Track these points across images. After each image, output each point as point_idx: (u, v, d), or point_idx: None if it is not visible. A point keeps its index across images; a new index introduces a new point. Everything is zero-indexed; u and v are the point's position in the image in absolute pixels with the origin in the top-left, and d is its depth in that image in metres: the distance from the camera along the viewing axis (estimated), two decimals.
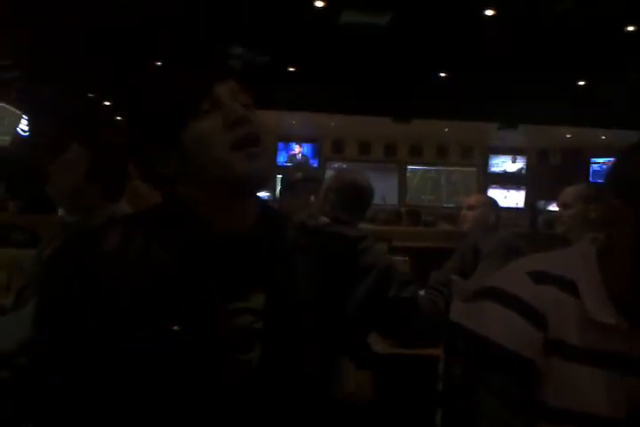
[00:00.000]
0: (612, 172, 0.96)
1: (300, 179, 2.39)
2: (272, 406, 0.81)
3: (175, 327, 0.77)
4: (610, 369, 0.91)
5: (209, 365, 0.78)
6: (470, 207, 2.83)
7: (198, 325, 0.79)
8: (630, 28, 5.22)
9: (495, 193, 9.80)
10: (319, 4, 4.95)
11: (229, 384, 0.79)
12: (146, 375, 0.77)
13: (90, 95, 7.67)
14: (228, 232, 0.86)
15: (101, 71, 6.37)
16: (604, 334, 0.91)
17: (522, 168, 10.40)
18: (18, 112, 6.87)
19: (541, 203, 9.09)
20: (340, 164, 9.64)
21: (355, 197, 2.02)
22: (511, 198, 10.22)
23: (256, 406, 0.80)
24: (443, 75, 6.63)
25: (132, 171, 1.59)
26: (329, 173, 7.10)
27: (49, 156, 1.55)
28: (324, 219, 1.93)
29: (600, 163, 9.54)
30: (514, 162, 10.35)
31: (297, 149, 9.94)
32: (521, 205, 10.18)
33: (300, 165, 2.51)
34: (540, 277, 0.94)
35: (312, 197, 2.33)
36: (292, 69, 6.57)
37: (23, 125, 7.12)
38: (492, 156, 10.31)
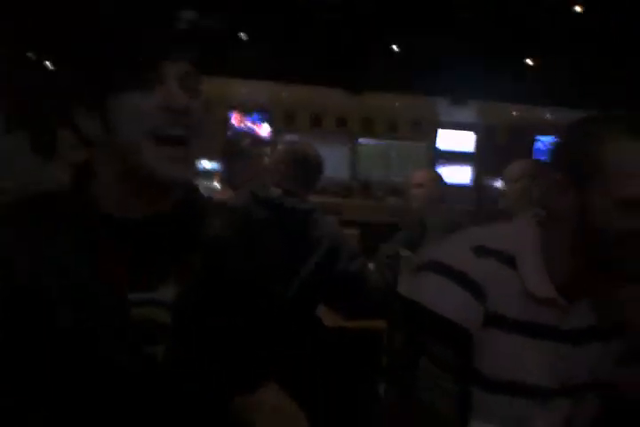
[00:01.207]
0: (555, 147, 0.99)
1: (247, 144, 2.36)
2: (180, 398, 0.78)
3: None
4: (545, 340, 0.96)
5: (108, 354, 0.75)
6: (418, 185, 2.85)
7: (95, 314, 0.75)
8: (577, 9, 5.33)
9: (443, 169, 9.96)
10: None
11: (133, 374, 0.76)
12: (45, 361, 0.74)
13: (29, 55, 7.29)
14: (140, 219, 0.80)
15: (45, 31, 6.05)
16: (541, 308, 0.95)
17: (470, 145, 10.58)
18: None
19: (488, 179, 9.30)
20: (290, 135, 9.57)
21: (305, 170, 2.02)
22: (459, 174, 10.41)
23: (162, 399, 0.77)
24: (396, 48, 6.62)
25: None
26: (280, 144, 7.04)
27: None
28: (276, 190, 1.93)
29: (543, 141, 9.80)
30: (462, 138, 10.52)
31: (237, 119, 9.56)
32: (469, 181, 10.39)
33: (245, 132, 2.47)
34: (481, 251, 0.97)
35: (264, 160, 2.31)
36: (243, 36, 6.43)
37: None
38: (441, 131, 10.43)
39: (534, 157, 9.60)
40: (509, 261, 0.97)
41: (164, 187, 0.81)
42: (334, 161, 9.44)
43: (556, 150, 0.98)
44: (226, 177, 2.48)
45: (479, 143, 10.46)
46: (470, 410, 0.89)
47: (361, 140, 10.19)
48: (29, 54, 7.20)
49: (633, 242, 0.86)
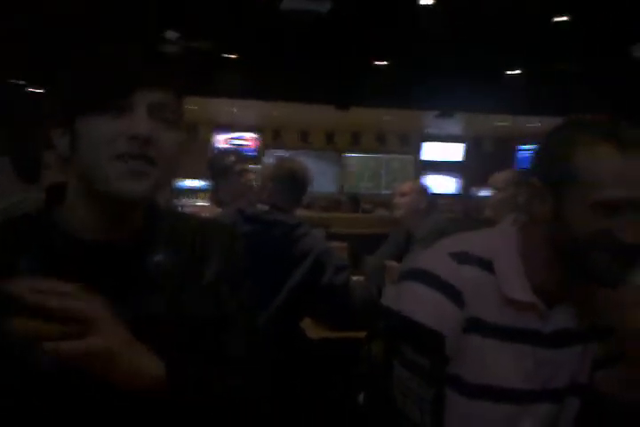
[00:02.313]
0: (534, 153, 1.01)
1: (232, 162, 2.39)
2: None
3: None
4: (525, 344, 0.97)
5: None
6: (402, 194, 2.90)
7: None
8: (559, 19, 5.42)
9: (431, 180, 10.02)
10: None
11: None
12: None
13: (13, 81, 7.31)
14: (102, 241, 0.82)
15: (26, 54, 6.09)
16: (521, 312, 0.96)
17: (458, 155, 10.66)
18: None
19: (474, 189, 9.36)
20: (279, 152, 9.61)
21: (292, 185, 2.05)
22: (446, 185, 10.47)
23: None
24: (382, 63, 6.70)
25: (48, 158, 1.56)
26: (268, 162, 7.08)
27: None
28: (263, 207, 1.95)
29: (526, 150, 9.88)
30: (449, 150, 10.60)
31: (221, 140, 9.62)
32: (455, 191, 10.45)
33: (230, 150, 2.48)
34: (461, 258, 0.98)
35: (249, 178, 2.33)
36: (232, 56, 6.49)
37: None
38: (428, 143, 10.51)
39: (517, 165, 9.70)
40: (489, 266, 0.98)
41: (127, 206, 0.81)
42: (323, 176, 9.50)
43: (535, 156, 1.01)
44: (213, 195, 2.50)
45: (466, 154, 10.56)
46: (445, 415, 0.90)
47: (349, 154, 10.26)
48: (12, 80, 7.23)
49: (606, 246, 0.88)
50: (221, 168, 2.41)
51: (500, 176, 2.64)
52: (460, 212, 7.23)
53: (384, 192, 9.98)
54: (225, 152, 2.58)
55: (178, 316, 0.84)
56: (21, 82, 7.32)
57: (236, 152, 2.63)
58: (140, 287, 0.83)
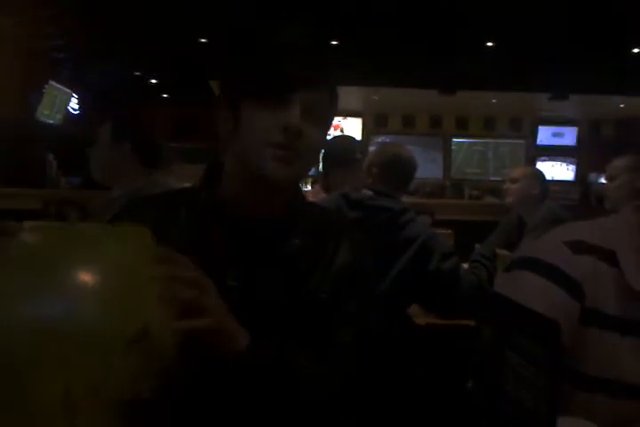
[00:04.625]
0: None
1: (358, 158, 2.37)
2: None
3: None
4: None
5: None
6: (513, 180, 2.79)
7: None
8: None
9: (545, 166, 9.54)
10: None
11: None
12: None
13: (136, 73, 7.80)
14: (250, 218, 0.92)
15: (150, 51, 6.46)
16: None
17: (573, 140, 10.07)
18: (68, 90, 7.05)
19: (593, 175, 8.81)
20: (383, 138, 9.54)
21: (397, 171, 2.03)
22: (562, 171, 9.95)
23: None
24: (490, 44, 6.44)
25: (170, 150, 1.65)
26: (372, 148, 7.04)
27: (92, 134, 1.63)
28: (368, 192, 1.95)
29: None
30: (564, 134, 10.03)
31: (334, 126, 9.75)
32: (572, 178, 9.89)
33: (346, 137, 2.45)
34: (577, 247, 0.94)
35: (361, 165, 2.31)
36: (334, 43, 6.50)
37: (73, 104, 7.31)
38: (541, 127, 10.00)
39: None
40: (609, 256, 0.93)
41: (274, 188, 0.90)
42: (428, 161, 9.34)
43: None
44: (324, 181, 2.51)
45: (582, 138, 9.95)
46: (561, 406, 0.86)
47: (455, 139, 10.00)
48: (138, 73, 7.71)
49: None
50: (345, 158, 2.39)
51: (616, 163, 2.48)
52: (576, 199, 6.86)
53: (492, 178, 9.67)
54: (341, 138, 2.56)
55: (299, 298, 0.91)
56: (141, 74, 7.82)
57: (352, 139, 2.60)
58: (272, 262, 0.91)
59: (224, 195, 0.94)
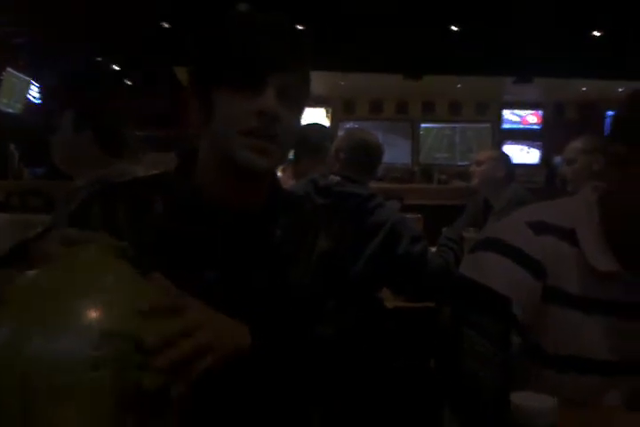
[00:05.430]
0: (617, 118, 0.96)
1: (328, 146, 2.35)
2: None
3: None
4: (607, 315, 0.94)
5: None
6: (479, 163, 2.83)
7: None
8: None
9: (511, 149, 9.67)
10: None
11: None
12: None
13: (98, 59, 7.61)
14: (227, 206, 0.89)
15: (111, 36, 6.31)
16: (603, 282, 0.93)
17: (537, 123, 10.21)
18: (26, 78, 6.85)
19: (557, 158, 8.95)
20: (351, 124, 9.53)
21: (364, 156, 2.03)
22: (527, 154, 10.09)
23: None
24: (454, 28, 6.46)
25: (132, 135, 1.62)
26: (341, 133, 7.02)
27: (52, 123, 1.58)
28: (335, 178, 1.95)
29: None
30: (529, 117, 10.17)
31: None
32: (537, 161, 10.04)
33: (326, 129, 2.41)
34: (539, 227, 0.96)
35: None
36: (300, 28, 6.45)
37: (34, 92, 7.11)
38: (506, 111, 10.11)
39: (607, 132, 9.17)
40: (570, 236, 0.95)
41: (251, 176, 0.87)
42: (395, 147, 9.37)
43: (616, 121, 0.95)
44: (295, 167, 2.49)
45: (547, 121, 10.09)
46: (530, 384, 0.89)
47: (422, 124, 10.04)
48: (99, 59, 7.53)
49: None
50: (315, 145, 2.36)
51: (572, 146, 2.54)
52: (541, 182, 6.97)
53: (459, 163, 9.76)
54: (312, 125, 2.51)
55: (282, 285, 0.90)
56: (104, 58, 7.64)
57: (323, 126, 2.57)
58: (254, 253, 0.90)
59: (200, 183, 0.91)
